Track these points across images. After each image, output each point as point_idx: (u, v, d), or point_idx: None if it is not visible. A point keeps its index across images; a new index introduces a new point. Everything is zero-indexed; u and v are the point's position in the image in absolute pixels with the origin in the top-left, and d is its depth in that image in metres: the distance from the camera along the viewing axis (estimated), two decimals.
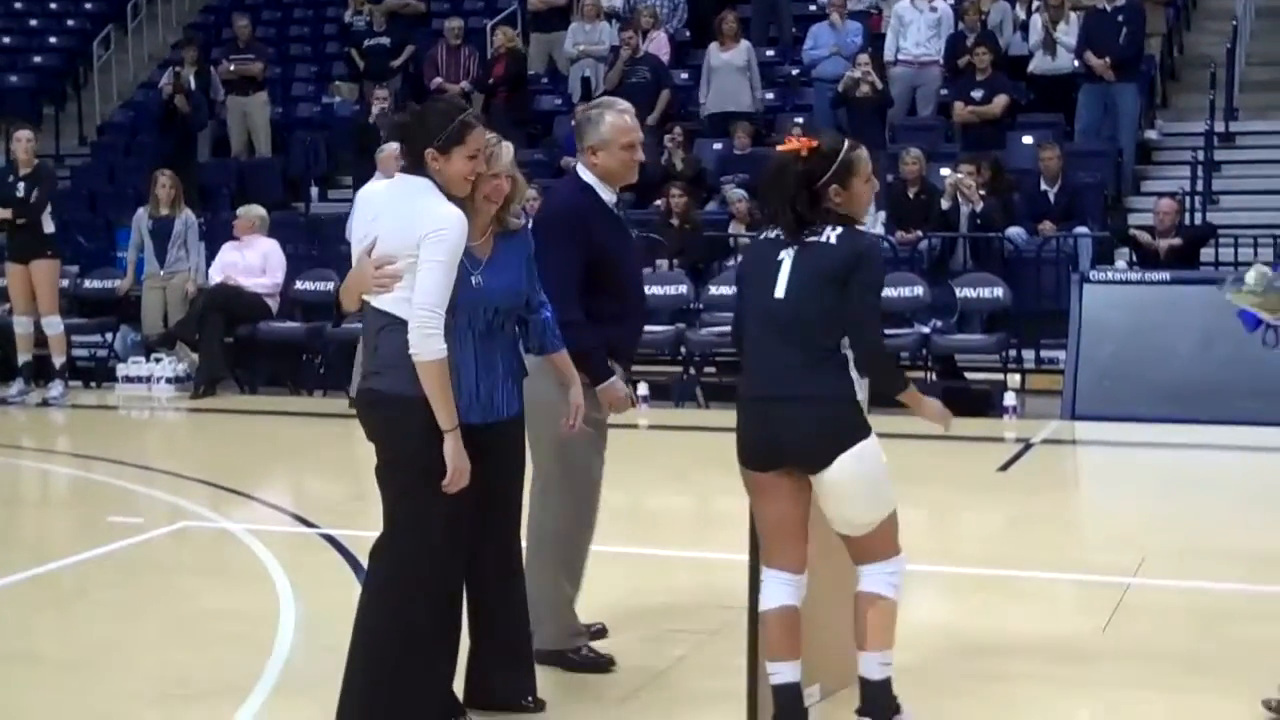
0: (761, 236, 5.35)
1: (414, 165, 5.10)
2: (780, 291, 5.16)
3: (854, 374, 5.14)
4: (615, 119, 6.05)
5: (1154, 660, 6.25)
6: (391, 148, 10.60)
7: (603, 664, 6.16)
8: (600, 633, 6.42)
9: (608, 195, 6.08)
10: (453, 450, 4.98)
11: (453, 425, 4.97)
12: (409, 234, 4.96)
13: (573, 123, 6.33)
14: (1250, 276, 5.30)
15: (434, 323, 4.92)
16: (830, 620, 5.46)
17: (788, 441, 5.16)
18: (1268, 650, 6.06)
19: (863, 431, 5.13)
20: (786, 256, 5.18)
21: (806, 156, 5.15)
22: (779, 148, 5.37)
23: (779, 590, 5.32)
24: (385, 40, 19.66)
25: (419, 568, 5.09)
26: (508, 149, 5.49)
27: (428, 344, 4.91)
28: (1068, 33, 16.78)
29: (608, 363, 5.98)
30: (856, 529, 5.22)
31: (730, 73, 17.70)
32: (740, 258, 5.75)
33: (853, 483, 5.12)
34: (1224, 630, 6.74)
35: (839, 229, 5.15)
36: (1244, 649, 6.34)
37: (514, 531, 5.64)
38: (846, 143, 5.27)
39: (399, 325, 4.97)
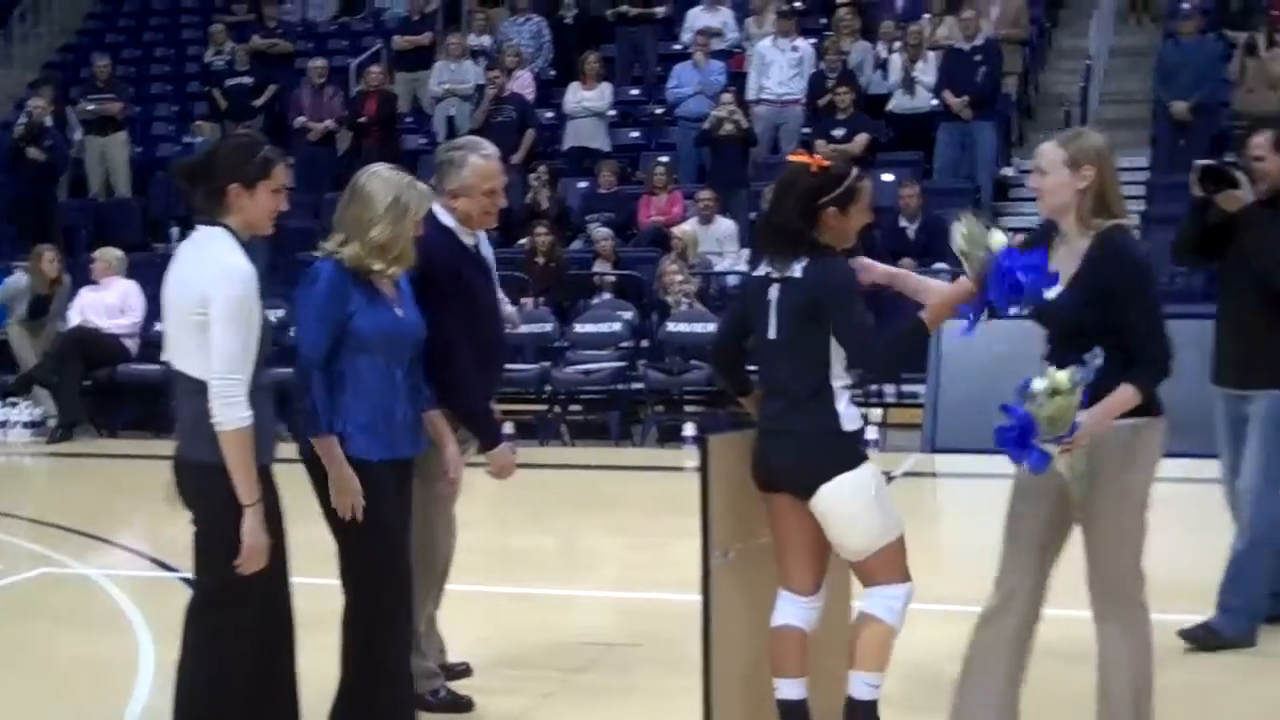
0: (753, 274, 5.42)
1: (210, 208, 4.82)
2: (772, 332, 5.28)
3: (841, 407, 5.22)
4: (479, 162, 5.95)
5: None
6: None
7: (461, 705, 6.11)
8: (464, 672, 6.37)
9: (467, 239, 5.99)
10: (251, 526, 4.70)
11: (252, 500, 4.70)
12: (192, 288, 4.72)
13: (436, 161, 6.18)
14: (1037, 384, 4.90)
15: (235, 390, 4.65)
16: (826, 645, 5.50)
17: (777, 471, 5.29)
18: None
19: (848, 463, 5.21)
20: (773, 295, 5.27)
21: (817, 173, 5.24)
22: (790, 156, 5.49)
23: (784, 609, 5.39)
24: (247, 80, 19.51)
25: (228, 638, 4.85)
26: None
27: (229, 412, 4.64)
28: (926, 72, 17.03)
29: (498, 425, 5.87)
30: (851, 555, 5.33)
31: (589, 113, 17.79)
32: (737, 293, 5.87)
33: (836, 512, 5.21)
34: (1080, 657, 6.82)
35: (805, 260, 5.21)
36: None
37: None
38: (855, 170, 5.36)
39: (196, 388, 4.70)
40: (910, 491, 11.57)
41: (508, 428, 12.57)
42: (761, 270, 5.35)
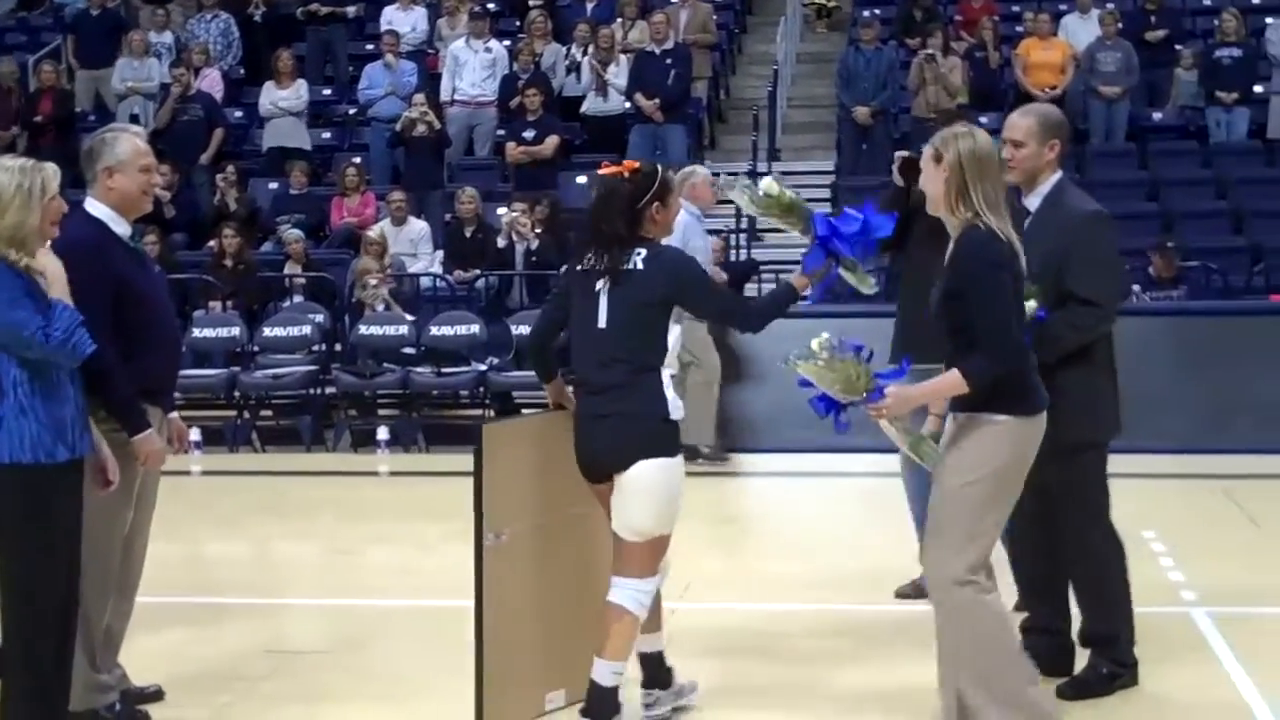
0: (579, 268, 5.70)
1: None
2: (602, 322, 5.58)
3: (669, 395, 5.57)
4: (134, 140, 5.90)
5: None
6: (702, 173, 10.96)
7: (136, 718, 5.97)
8: (155, 695, 6.22)
9: (121, 228, 5.84)
10: None
11: None
12: None
13: (85, 147, 6.00)
14: (815, 344, 5.28)
15: None
16: (580, 629, 5.80)
17: (600, 452, 5.61)
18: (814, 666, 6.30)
19: (668, 450, 5.57)
20: (602, 287, 5.59)
21: (630, 177, 5.61)
22: (601, 171, 5.84)
23: (615, 591, 5.68)
24: None
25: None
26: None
27: None
28: (618, 74, 17.19)
29: (144, 412, 5.72)
30: (632, 534, 5.61)
31: (284, 112, 17.54)
32: (560, 285, 6.06)
33: (640, 489, 5.53)
34: (758, 647, 6.97)
35: (643, 251, 5.59)
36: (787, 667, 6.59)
37: None
38: (659, 166, 5.79)
39: None
40: None
41: (195, 434, 12.32)
42: (586, 264, 5.66)
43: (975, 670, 5.33)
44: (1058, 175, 6.18)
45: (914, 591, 7.30)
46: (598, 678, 5.62)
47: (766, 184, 5.87)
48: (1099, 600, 6.21)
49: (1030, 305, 5.64)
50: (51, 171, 5.26)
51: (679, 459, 5.64)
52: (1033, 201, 6.15)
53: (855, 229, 5.73)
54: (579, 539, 5.96)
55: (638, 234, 5.61)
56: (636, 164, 5.69)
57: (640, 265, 5.58)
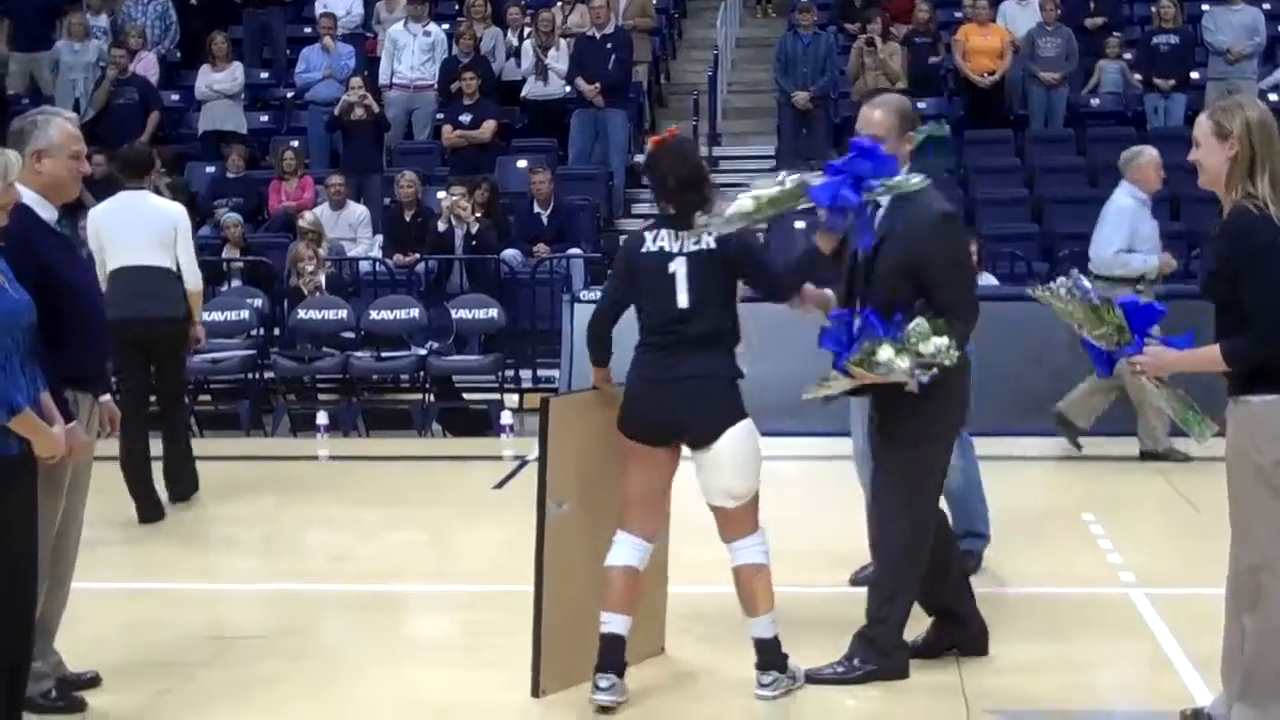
0: (643, 250, 5.86)
1: None
2: (683, 301, 5.78)
3: (736, 360, 5.84)
4: (64, 124, 5.86)
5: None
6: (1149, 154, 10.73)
7: (74, 705, 5.93)
8: (92, 681, 6.16)
9: (47, 213, 5.79)
10: None
11: None
12: None
13: (13, 129, 5.89)
14: (1058, 281, 5.51)
15: None
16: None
17: (680, 419, 5.80)
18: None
19: (743, 411, 5.81)
20: (678, 269, 5.78)
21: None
22: (670, 132, 6.30)
23: (624, 551, 5.88)
24: None
25: None
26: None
27: None
28: (558, 59, 17.14)
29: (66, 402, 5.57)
30: (732, 499, 5.82)
31: (220, 95, 17.41)
32: (623, 266, 6.11)
33: (735, 455, 5.76)
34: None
35: (710, 231, 5.79)
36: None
37: None
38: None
39: None
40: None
41: None
42: (653, 247, 5.82)
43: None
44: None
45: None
46: (761, 633, 5.89)
47: (737, 206, 5.82)
48: None
49: (946, 342, 5.69)
50: (14, 158, 5.21)
51: (750, 419, 5.84)
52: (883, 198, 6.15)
53: (864, 167, 5.74)
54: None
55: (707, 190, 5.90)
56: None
57: (714, 245, 5.78)
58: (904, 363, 5.65)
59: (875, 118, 6.05)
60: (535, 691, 5.98)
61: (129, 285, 9.16)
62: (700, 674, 6.36)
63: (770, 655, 5.93)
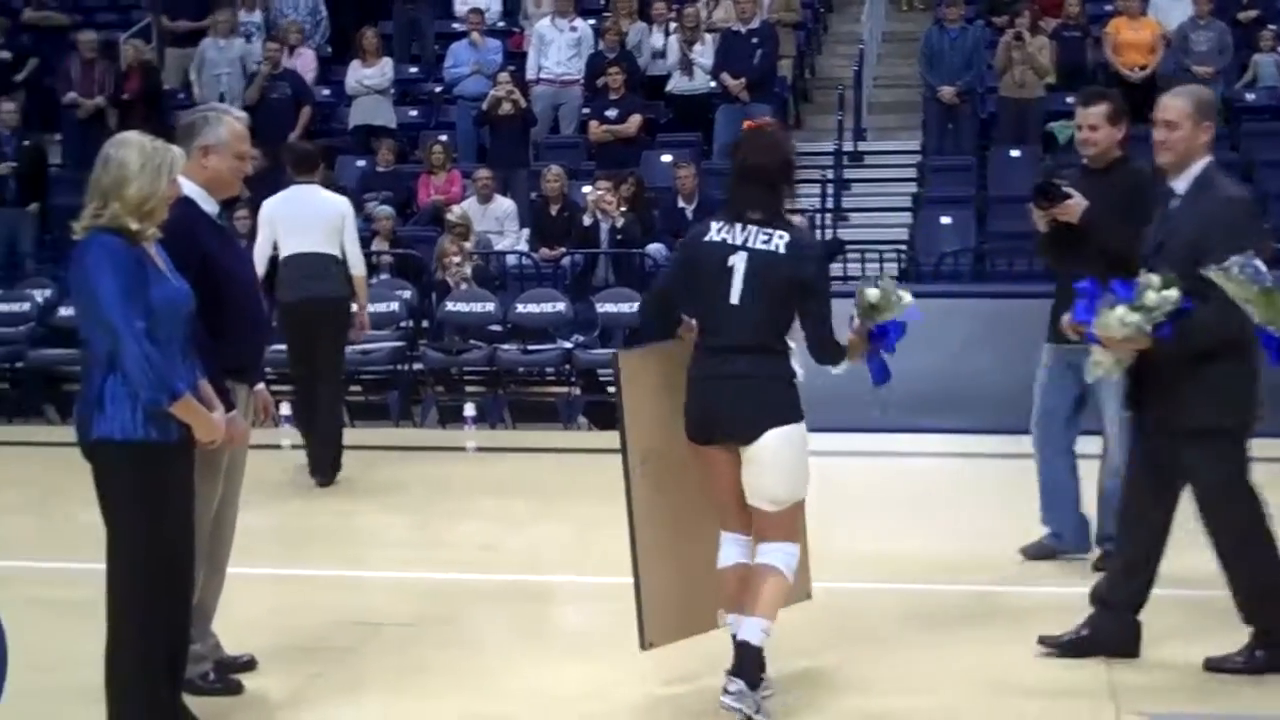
0: (706, 238, 5.69)
1: None
2: (734, 298, 5.58)
3: (794, 362, 5.66)
4: (234, 122, 5.98)
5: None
6: None
7: (232, 687, 6.08)
8: (248, 664, 6.32)
9: (209, 206, 5.91)
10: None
11: None
12: None
13: (183, 122, 6.02)
14: (1231, 260, 5.56)
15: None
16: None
17: (725, 417, 5.63)
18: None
19: (795, 414, 5.63)
20: (737, 264, 5.58)
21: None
22: (765, 121, 6.19)
23: (730, 550, 5.82)
24: (5, 54, 18.91)
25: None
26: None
27: None
28: (703, 54, 17.15)
29: (227, 392, 5.69)
30: (771, 504, 5.65)
31: (370, 90, 17.65)
32: (681, 251, 6.07)
33: (776, 459, 5.59)
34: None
35: (786, 236, 5.60)
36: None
37: None
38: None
39: None
40: None
41: (284, 409, 12.43)
42: (717, 236, 5.65)
43: None
44: (1208, 159, 6.13)
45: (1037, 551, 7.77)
46: (748, 636, 5.60)
47: (871, 294, 5.79)
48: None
49: (1174, 295, 5.72)
50: (178, 153, 5.34)
51: (802, 423, 5.66)
52: (1180, 185, 6.14)
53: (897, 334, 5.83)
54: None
55: (784, 190, 5.74)
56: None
57: (783, 251, 5.58)
58: (1134, 317, 5.72)
59: (1174, 105, 6.13)
60: (642, 644, 6.05)
61: (299, 269, 10.23)
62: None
63: (746, 664, 5.59)
